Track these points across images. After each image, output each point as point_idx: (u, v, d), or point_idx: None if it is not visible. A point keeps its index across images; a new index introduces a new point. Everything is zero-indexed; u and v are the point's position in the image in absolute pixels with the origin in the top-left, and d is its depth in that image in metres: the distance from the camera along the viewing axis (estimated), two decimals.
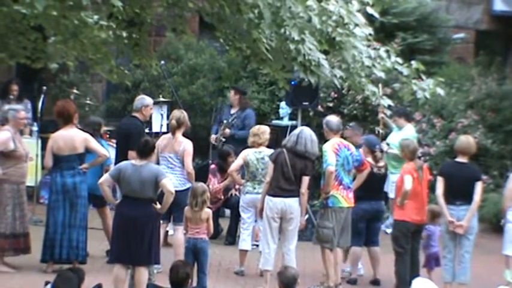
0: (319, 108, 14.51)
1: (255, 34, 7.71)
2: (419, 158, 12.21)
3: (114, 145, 12.04)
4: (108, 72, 9.49)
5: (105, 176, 9.39)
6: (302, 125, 11.65)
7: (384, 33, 15.41)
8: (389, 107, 8.69)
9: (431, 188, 10.81)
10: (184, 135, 10.76)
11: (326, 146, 10.37)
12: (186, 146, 10.58)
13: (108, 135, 13.89)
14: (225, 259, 11.57)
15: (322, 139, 10.77)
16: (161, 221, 9.80)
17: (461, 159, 10.45)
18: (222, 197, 12.61)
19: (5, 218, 10.34)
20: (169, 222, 10.83)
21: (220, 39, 8.61)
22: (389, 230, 12.28)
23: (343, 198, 10.33)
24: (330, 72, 7.87)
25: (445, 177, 10.34)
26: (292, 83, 12.00)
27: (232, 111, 13.99)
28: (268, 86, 15.90)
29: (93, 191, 10.37)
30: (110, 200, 9.50)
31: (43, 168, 12.08)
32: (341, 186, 10.32)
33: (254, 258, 10.99)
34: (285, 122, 14.82)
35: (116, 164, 10.27)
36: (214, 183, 12.49)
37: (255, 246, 11.44)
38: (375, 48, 8.10)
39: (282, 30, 7.55)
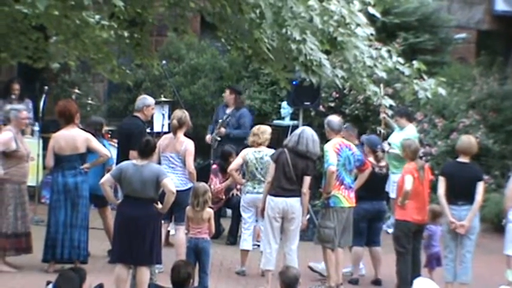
0: (321, 108, 14.49)
1: (257, 34, 7.71)
2: (420, 158, 12.22)
3: (116, 145, 12.03)
4: (110, 72, 9.49)
5: (107, 176, 9.39)
6: (303, 125, 11.63)
7: (385, 33, 15.43)
8: (390, 107, 8.67)
9: (433, 188, 10.81)
10: (185, 135, 10.77)
11: (327, 146, 10.36)
12: (188, 145, 10.59)
13: (109, 135, 13.90)
14: (227, 259, 11.57)
15: (324, 139, 10.76)
16: (163, 221, 9.81)
17: (462, 159, 10.44)
18: (224, 197, 12.60)
19: (6, 218, 10.33)
20: (171, 222, 10.82)
21: (222, 39, 8.60)
22: (390, 230, 12.27)
23: (345, 198, 10.32)
24: (332, 72, 7.86)
25: (447, 177, 10.33)
26: (294, 83, 11.98)
27: (228, 110, 13.93)
28: (270, 86, 15.89)
29: (95, 191, 10.36)
30: (112, 200, 9.50)
31: (44, 168, 12.08)
32: (342, 186, 10.31)
33: (255, 258, 10.98)
34: (287, 122, 14.83)
35: (117, 163, 10.26)
36: (216, 183, 12.49)
37: (256, 247, 11.44)
38: (376, 48, 8.09)
39: (284, 30, 7.54)
